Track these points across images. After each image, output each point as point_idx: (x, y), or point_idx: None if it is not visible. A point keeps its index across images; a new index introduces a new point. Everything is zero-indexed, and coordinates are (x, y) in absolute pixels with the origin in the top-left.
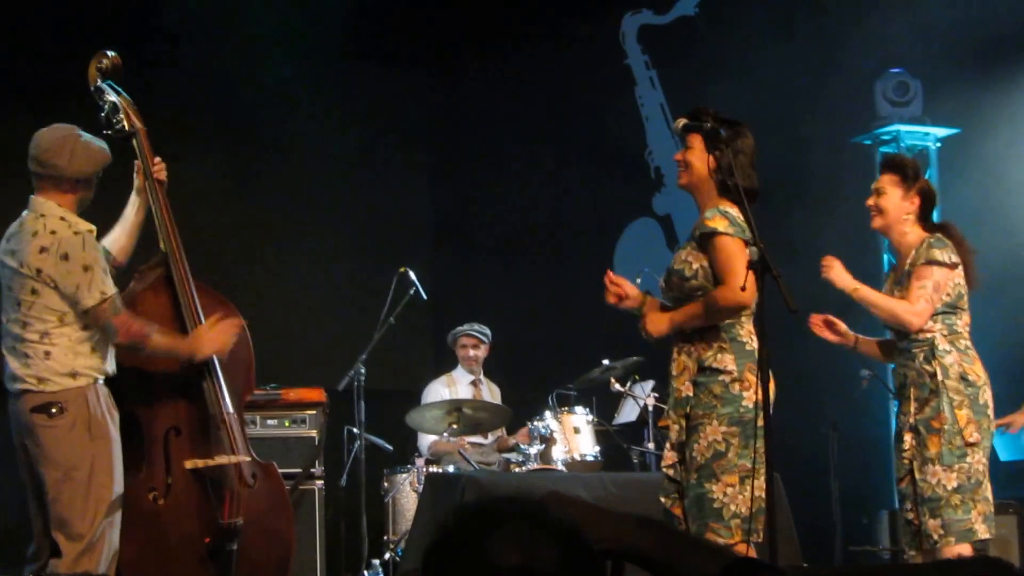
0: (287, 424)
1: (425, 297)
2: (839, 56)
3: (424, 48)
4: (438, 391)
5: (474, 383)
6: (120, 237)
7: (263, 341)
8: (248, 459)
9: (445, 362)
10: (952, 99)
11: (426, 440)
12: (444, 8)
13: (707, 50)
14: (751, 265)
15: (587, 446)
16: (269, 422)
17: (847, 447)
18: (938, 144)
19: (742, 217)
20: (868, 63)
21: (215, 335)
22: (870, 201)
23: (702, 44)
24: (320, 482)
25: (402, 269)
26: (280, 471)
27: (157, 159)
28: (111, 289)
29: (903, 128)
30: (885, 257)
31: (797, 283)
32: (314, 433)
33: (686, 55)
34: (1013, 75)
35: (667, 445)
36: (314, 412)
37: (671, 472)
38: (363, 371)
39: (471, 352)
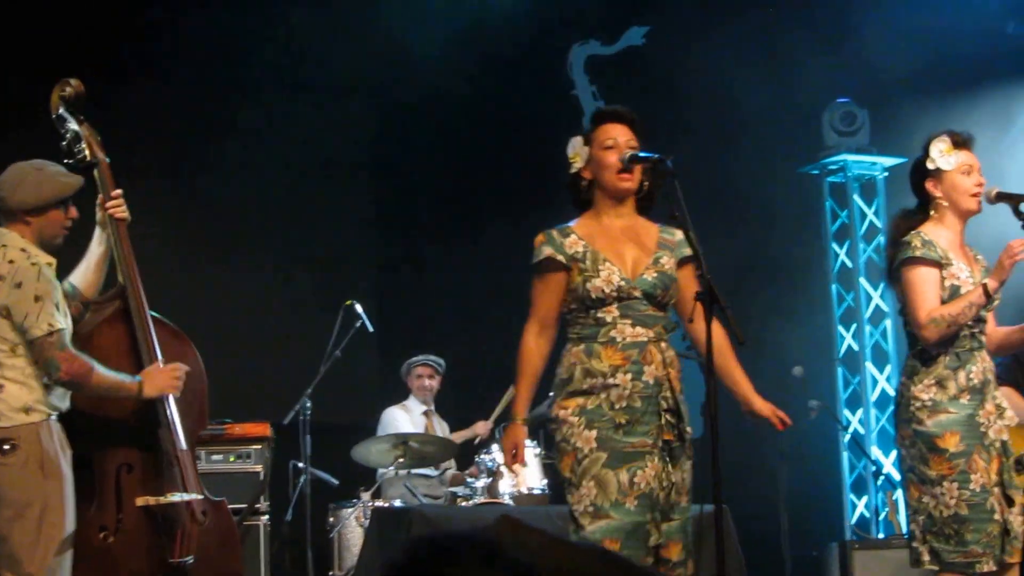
0: (232, 459)
1: (371, 330)
2: (787, 86)
3: (368, 75)
4: (396, 416)
5: (426, 414)
6: (87, 272)
7: (208, 375)
8: (200, 496)
9: (392, 395)
10: (899, 128)
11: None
12: (391, 37)
13: (655, 80)
14: (698, 296)
15: (534, 479)
16: (214, 457)
17: (797, 479)
18: (885, 173)
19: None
20: (815, 93)
21: (163, 375)
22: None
23: (650, 74)
24: (265, 517)
25: (348, 302)
26: None
27: (116, 192)
28: (60, 323)
29: (850, 158)
30: (834, 288)
31: (746, 314)
32: (259, 468)
33: (634, 85)
34: (958, 104)
35: None
36: (259, 447)
37: None
38: (309, 405)
39: (426, 382)
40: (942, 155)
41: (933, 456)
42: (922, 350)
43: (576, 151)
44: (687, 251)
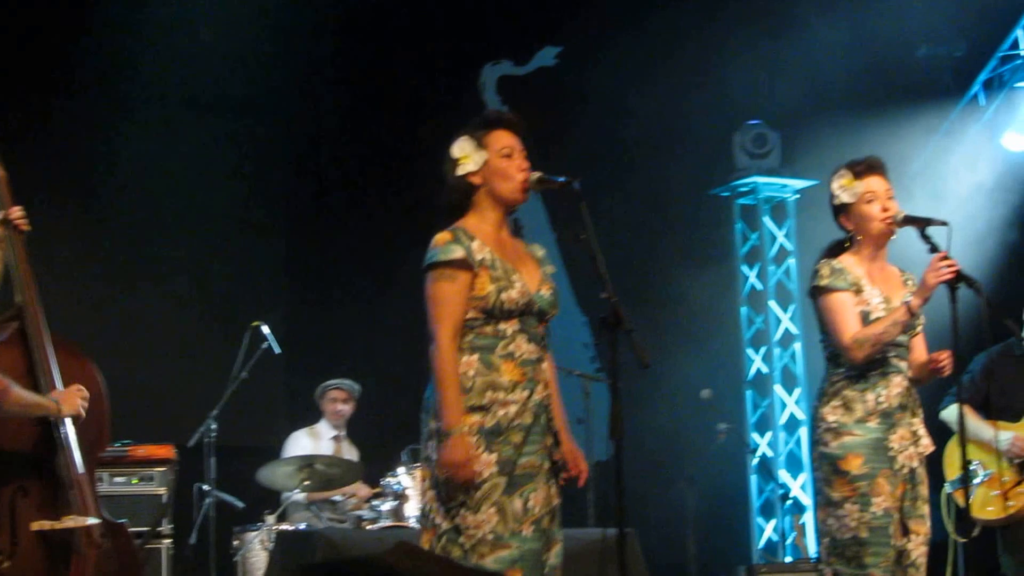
0: (135, 481)
1: (278, 351)
2: (698, 108)
3: (280, 98)
4: (300, 441)
5: (336, 438)
6: None
7: (111, 396)
8: (99, 520)
9: (300, 417)
10: (810, 151)
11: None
12: (303, 58)
13: (567, 101)
14: (602, 319)
15: None
16: (116, 479)
17: (704, 502)
18: (796, 195)
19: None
20: (726, 115)
21: (71, 396)
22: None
23: (562, 95)
24: (168, 540)
25: (255, 323)
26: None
27: (17, 208)
28: None
29: (761, 180)
30: (744, 310)
31: (655, 336)
32: (162, 490)
33: (546, 106)
34: (867, 127)
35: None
36: (163, 469)
37: None
38: (214, 427)
39: (340, 407)
40: (843, 189)
41: (836, 478)
42: (833, 373)
43: (467, 153)
44: (550, 268)
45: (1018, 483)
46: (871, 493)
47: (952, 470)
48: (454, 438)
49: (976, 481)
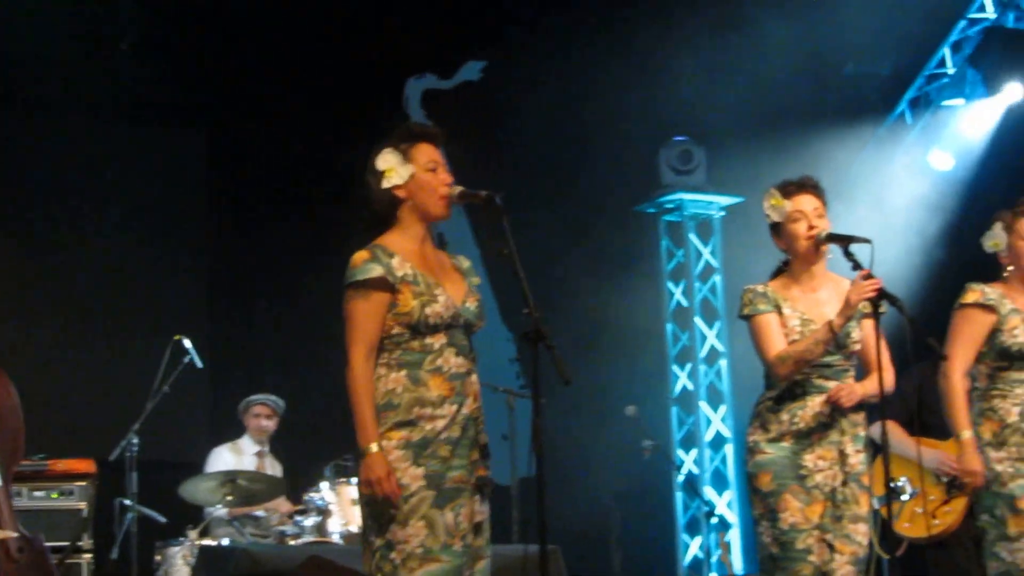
0: (55, 496)
1: (200, 366)
2: (624, 123)
3: (201, 109)
4: (223, 457)
5: (259, 454)
6: None
7: (30, 409)
8: (15, 534)
9: (223, 432)
10: (736, 167)
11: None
12: (223, 68)
13: (492, 116)
14: (524, 335)
15: None
16: (36, 494)
17: (630, 518)
18: (722, 212)
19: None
20: (652, 131)
21: None
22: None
23: (487, 109)
24: (89, 555)
25: (177, 337)
26: (47, 544)
27: None
28: None
29: (687, 196)
30: (669, 327)
31: (580, 352)
32: (83, 505)
33: (471, 120)
34: (794, 144)
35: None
36: (83, 483)
37: None
38: (136, 441)
39: (263, 422)
40: (772, 208)
41: (754, 496)
42: (761, 394)
43: (391, 165)
44: (475, 279)
45: (945, 501)
46: (778, 509)
47: (879, 486)
48: (371, 455)
49: (904, 498)
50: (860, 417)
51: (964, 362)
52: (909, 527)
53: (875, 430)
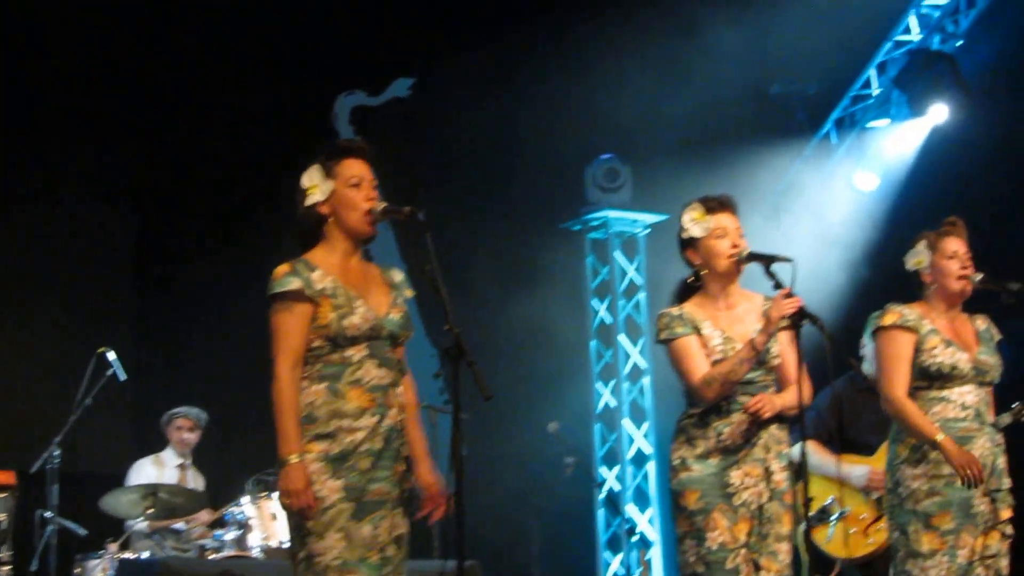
0: None
1: (124, 378)
2: (550, 141)
3: (129, 116)
4: (145, 469)
5: (182, 467)
6: None
7: None
8: None
9: (146, 444)
10: (661, 186)
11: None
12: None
13: (421, 132)
14: (445, 350)
15: (286, 533)
16: None
17: (551, 534)
18: (646, 231)
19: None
20: (578, 149)
21: None
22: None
23: (416, 126)
24: (8, 568)
25: (100, 349)
26: None
27: None
28: None
29: (612, 214)
30: (593, 344)
31: (504, 368)
32: (2, 517)
33: (399, 137)
34: (720, 163)
35: None
36: (3, 495)
37: None
38: (57, 453)
39: (186, 435)
40: (694, 223)
41: (678, 514)
42: (684, 412)
43: (315, 183)
44: (408, 292)
45: (876, 519)
46: (706, 528)
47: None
48: (290, 466)
49: (833, 518)
50: (784, 435)
51: (903, 381)
52: (841, 548)
53: (795, 451)
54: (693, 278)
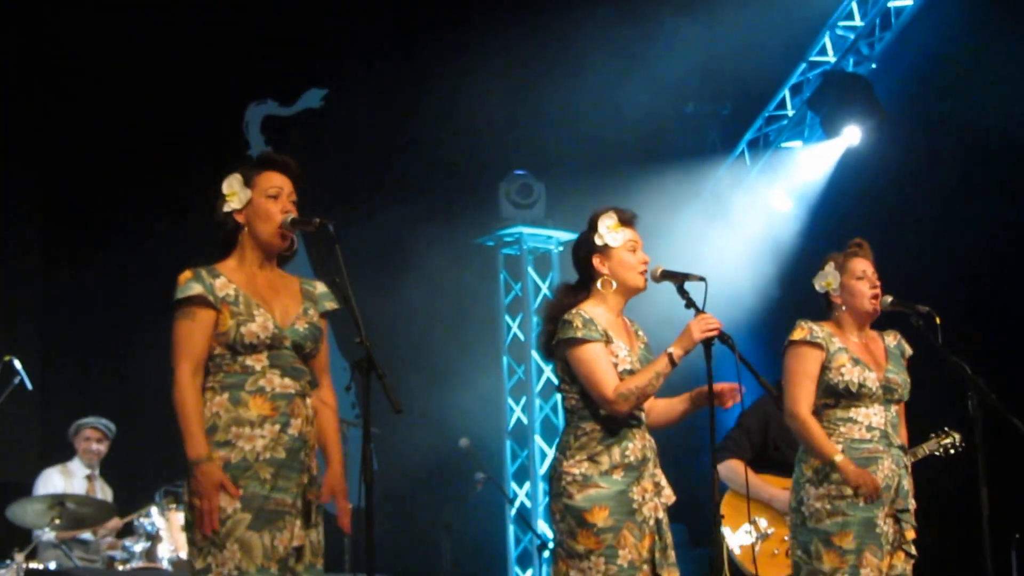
0: None
1: (31, 387)
2: (465, 156)
3: (33, 126)
4: (53, 479)
5: (89, 477)
6: None
7: None
8: None
9: (53, 454)
10: (575, 203)
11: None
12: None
13: (333, 143)
14: (356, 363)
15: None
16: None
17: (460, 550)
18: (560, 247)
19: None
20: (493, 164)
21: None
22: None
23: (328, 137)
24: None
25: (7, 357)
26: None
27: None
28: None
29: (526, 230)
30: (505, 360)
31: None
32: None
33: (312, 147)
34: (634, 181)
35: None
36: None
37: None
38: None
39: (94, 446)
40: (609, 231)
41: (581, 530)
42: (577, 426)
43: (234, 190)
44: (329, 304)
45: None
46: (617, 545)
47: (736, 523)
48: (200, 467)
49: (756, 537)
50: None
51: (807, 398)
52: (768, 568)
53: (721, 469)
54: (593, 285)
